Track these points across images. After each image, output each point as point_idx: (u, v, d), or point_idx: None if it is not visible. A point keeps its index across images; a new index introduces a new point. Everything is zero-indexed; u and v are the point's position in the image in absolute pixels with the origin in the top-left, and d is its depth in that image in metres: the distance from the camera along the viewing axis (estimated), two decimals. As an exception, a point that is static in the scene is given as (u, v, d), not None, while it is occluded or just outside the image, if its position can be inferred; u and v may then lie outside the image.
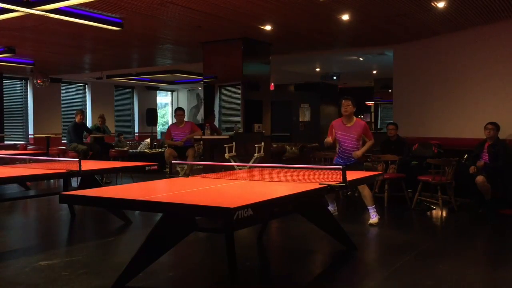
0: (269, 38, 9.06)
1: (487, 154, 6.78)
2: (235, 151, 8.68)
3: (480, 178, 6.52)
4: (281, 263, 4.64)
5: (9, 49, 9.85)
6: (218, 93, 9.70)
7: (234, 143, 8.77)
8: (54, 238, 5.67)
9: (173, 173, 5.22)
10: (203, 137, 9.06)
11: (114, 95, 17.58)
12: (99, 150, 9.99)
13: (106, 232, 5.80)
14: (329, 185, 3.76)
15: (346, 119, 6.03)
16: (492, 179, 6.57)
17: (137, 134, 18.29)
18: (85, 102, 16.75)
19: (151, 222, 4.77)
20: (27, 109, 15.16)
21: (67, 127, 10.92)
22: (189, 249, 4.77)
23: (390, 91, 11.73)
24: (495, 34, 7.76)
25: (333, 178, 3.97)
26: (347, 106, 5.95)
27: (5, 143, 13.93)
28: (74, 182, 6.97)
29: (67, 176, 5.38)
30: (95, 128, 10.88)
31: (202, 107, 12.03)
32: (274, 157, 11.17)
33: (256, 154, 8.60)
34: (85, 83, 16.66)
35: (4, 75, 14.22)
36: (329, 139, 6.07)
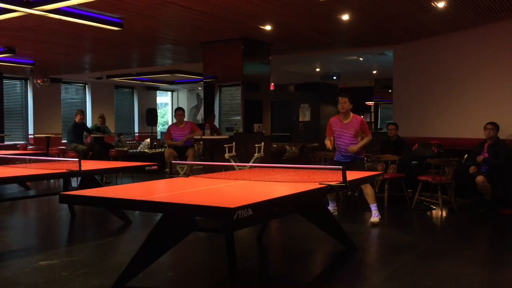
0: (269, 38, 9.06)
1: (487, 154, 6.78)
2: (235, 151, 8.68)
3: (480, 178, 6.51)
4: (281, 263, 4.64)
5: (9, 49, 9.85)
6: (218, 93, 9.70)
7: (234, 143, 8.77)
8: (54, 238, 5.67)
9: (173, 173, 5.22)
10: (203, 137, 9.06)
11: (114, 95, 17.59)
12: (99, 150, 9.99)
13: (106, 232, 5.80)
14: (329, 185, 3.76)
15: (343, 116, 6.07)
16: (492, 179, 6.57)
17: (137, 134, 18.29)
18: (85, 102, 16.75)
19: (151, 222, 4.77)
20: (27, 109, 15.16)
21: (67, 127, 10.92)
22: (189, 249, 4.77)
23: (390, 91, 11.73)
24: (495, 34, 7.76)
25: (333, 178, 3.97)
26: (344, 103, 6.00)
27: (5, 143, 13.94)
28: (74, 182, 6.97)
29: (67, 176, 5.38)
30: (95, 128, 10.88)
31: (202, 107, 12.03)
32: (274, 157, 11.16)
33: (256, 154, 8.60)
34: (85, 83, 16.66)
35: (4, 75, 14.22)
36: (328, 144, 6.10)
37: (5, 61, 11.24)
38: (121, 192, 3.65)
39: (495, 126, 6.78)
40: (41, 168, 5.46)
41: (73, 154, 9.39)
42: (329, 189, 3.81)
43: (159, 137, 17.49)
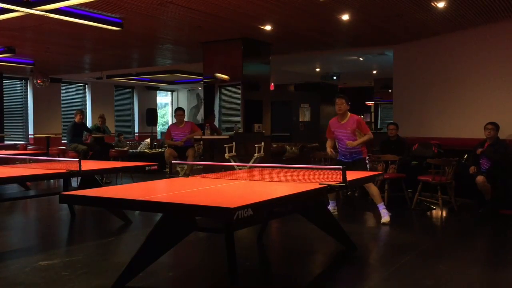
0: (269, 38, 9.05)
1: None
2: (235, 151, 8.68)
3: (480, 178, 6.51)
4: (281, 263, 4.64)
5: (9, 49, 9.85)
6: (218, 93, 9.70)
7: (234, 143, 8.77)
8: (54, 238, 5.67)
9: (173, 173, 5.22)
10: (203, 137, 9.07)
11: (114, 95, 17.58)
12: (99, 150, 9.99)
13: (106, 232, 5.80)
14: (329, 185, 3.77)
15: (341, 117, 6.13)
16: (492, 179, 6.57)
17: (137, 134, 18.29)
18: (85, 102, 16.75)
19: (151, 222, 4.77)
20: (27, 109, 15.15)
21: (67, 127, 10.92)
22: (189, 249, 4.77)
23: (390, 91, 11.73)
24: (495, 34, 7.76)
25: (333, 178, 3.97)
26: (341, 104, 6.05)
27: (5, 143, 13.94)
28: (74, 182, 6.97)
29: (67, 176, 5.38)
30: (95, 128, 10.88)
31: (202, 107, 12.03)
32: (274, 157, 11.16)
33: (256, 154, 8.60)
34: (85, 83, 16.66)
35: (4, 75, 14.22)
36: (329, 150, 6.24)
37: (5, 61, 11.24)
38: (121, 192, 3.65)
39: (495, 126, 6.77)
40: (41, 168, 5.46)
41: (73, 154, 9.39)
42: (329, 189, 3.81)
43: (159, 137, 17.49)
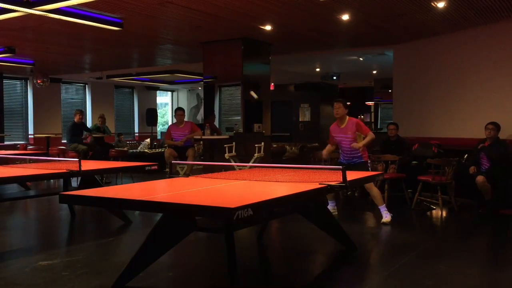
0: (269, 38, 9.06)
1: (485, 155, 6.77)
2: (235, 151, 8.68)
3: (480, 178, 6.51)
4: (281, 263, 4.63)
5: (9, 49, 9.85)
6: (218, 93, 9.70)
7: (234, 143, 8.77)
8: (54, 238, 5.67)
9: (173, 173, 5.22)
10: (203, 137, 9.07)
11: (114, 95, 17.58)
12: (99, 150, 9.99)
13: (106, 232, 5.79)
14: (329, 185, 3.77)
15: (340, 121, 6.15)
16: (492, 179, 6.57)
17: (137, 134, 18.29)
18: (85, 102, 16.75)
19: (151, 222, 4.77)
20: (27, 109, 15.16)
21: (66, 127, 10.92)
22: (189, 249, 4.77)
23: (390, 91, 11.73)
24: (495, 34, 7.76)
25: (333, 178, 3.97)
26: (338, 108, 6.07)
27: (5, 143, 13.94)
28: (74, 182, 6.97)
29: (67, 176, 5.37)
30: (95, 128, 10.88)
31: (202, 107, 12.03)
32: (274, 157, 11.16)
33: (256, 154, 8.60)
34: (85, 83, 16.66)
35: (4, 75, 14.22)
36: (324, 152, 6.44)
37: (5, 61, 11.24)
38: (121, 192, 3.65)
39: (496, 126, 6.77)
40: (41, 168, 5.46)
41: (73, 154, 9.39)
42: (329, 189, 3.81)
43: (159, 137, 17.49)
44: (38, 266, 4.20)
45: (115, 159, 9.07)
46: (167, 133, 8.98)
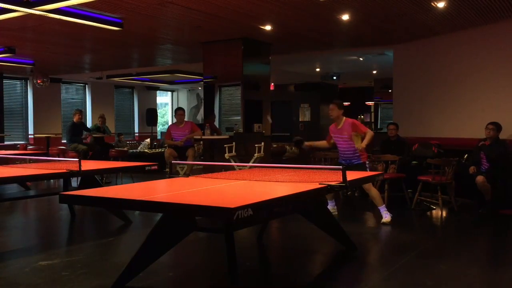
0: (269, 38, 9.05)
1: (484, 156, 6.77)
2: (235, 151, 8.68)
3: (480, 178, 6.51)
4: (281, 263, 4.63)
5: (9, 49, 9.85)
6: (218, 93, 9.70)
7: (234, 143, 8.77)
8: (54, 238, 5.67)
9: (173, 173, 5.22)
10: (203, 137, 9.07)
11: (114, 95, 17.58)
12: (99, 150, 9.99)
13: (106, 232, 5.80)
14: (329, 185, 3.77)
15: (337, 122, 6.23)
16: (492, 179, 6.57)
17: (137, 134, 18.29)
18: (85, 102, 16.75)
19: (151, 222, 4.77)
20: (27, 109, 15.15)
21: (66, 127, 10.91)
22: (189, 249, 4.77)
23: (390, 91, 11.73)
24: (495, 34, 7.76)
25: (333, 178, 3.97)
26: (332, 110, 6.21)
27: (5, 143, 13.94)
28: (74, 182, 6.97)
29: (67, 176, 5.38)
30: (95, 128, 10.87)
31: (202, 107, 12.02)
32: (274, 157, 11.16)
33: (256, 154, 8.60)
34: (85, 83, 16.66)
35: (4, 75, 14.22)
36: (309, 143, 6.56)
37: (5, 61, 11.24)
38: (121, 192, 3.65)
39: (496, 127, 6.76)
40: (41, 168, 5.46)
41: (73, 154, 9.39)
42: (329, 189, 3.81)
43: (159, 137, 17.49)
44: (38, 266, 4.20)
45: (115, 159, 9.07)
46: (167, 133, 8.98)
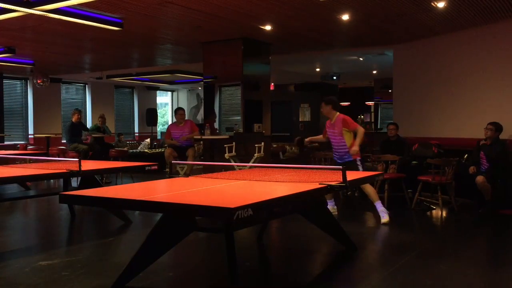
0: (269, 38, 9.05)
1: (484, 156, 6.77)
2: (235, 151, 8.68)
3: (480, 178, 6.51)
4: (281, 263, 4.63)
5: (9, 49, 9.85)
6: (218, 93, 9.70)
7: (234, 143, 8.77)
8: (54, 238, 5.67)
9: (173, 173, 5.23)
10: (203, 137, 9.07)
11: (114, 95, 17.58)
12: (99, 150, 9.99)
13: (106, 232, 5.80)
14: (329, 185, 3.76)
15: (330, 118, 6.35)
16: (492, 179, 6.56)
17: (137, 134, 18.29)
18: (85, 102, 16.75)
19: (151, 222, 4.77)
20: (27, 109, 15.15)
21: (65, 128, 10.91)
22: (189, 249, 4.77)
23: (390, 91, 11.73)
24: (495, 34, 7.76)
25: (333, 178, 3.97)
26: (323, 108, 6.41)
27: (5, 143, 13.93)
28: (74, 182, 6.97)
29: (67, 176, 5.38)
30: (95, 128, 10.87)
31: (202, 107, 12.02)
32: (274, 157, 11.16)
33: (256, 154, 8.60)
34: (85, 83, 16.66)
35: (4, 75, 14.21)
36: (308, 138, 6.95)
37: (5, 61, 11.24)
38: (121, 192, 3.65)
39: (495, 127, 6.75)
40: (41, 168, 5.46)
41: (73, 154, 9.39)
42: (329, 189, 3.81)
43: (159, 137, 17.50)
44: (38, 266, 4.20)
45: (115, 159, 9.07)
46: (167, 133, 8.99)
